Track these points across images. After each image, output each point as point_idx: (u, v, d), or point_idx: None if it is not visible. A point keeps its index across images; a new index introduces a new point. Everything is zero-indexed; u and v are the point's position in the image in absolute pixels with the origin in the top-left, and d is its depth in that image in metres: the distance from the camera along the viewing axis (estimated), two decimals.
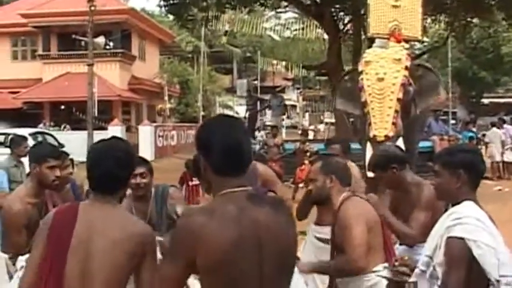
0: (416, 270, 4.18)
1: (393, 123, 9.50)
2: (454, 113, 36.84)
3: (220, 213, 3.07)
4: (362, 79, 9.99)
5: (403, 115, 9.84)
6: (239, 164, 3.23)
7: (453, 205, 4.16)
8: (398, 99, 9.64)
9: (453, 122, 32.58)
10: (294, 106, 63.48)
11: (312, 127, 42.49)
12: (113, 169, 3.87)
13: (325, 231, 6.71)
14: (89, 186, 4.07)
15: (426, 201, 5.55)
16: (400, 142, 9.02)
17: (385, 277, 4.66)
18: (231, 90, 57.29)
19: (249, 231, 3.05)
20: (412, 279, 4.19)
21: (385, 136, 9.38)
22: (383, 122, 9.56)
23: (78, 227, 3.79)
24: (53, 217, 3.92)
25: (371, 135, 9.58)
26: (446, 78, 32.01)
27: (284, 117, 38.28)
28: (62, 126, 37.46)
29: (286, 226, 3.20)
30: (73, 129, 36.23)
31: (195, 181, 13.36)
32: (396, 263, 4.53)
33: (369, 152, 9.33)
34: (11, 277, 5.54)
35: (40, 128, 33.64)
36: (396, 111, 9.61)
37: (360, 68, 10.18)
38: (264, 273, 3.07)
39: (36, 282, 3.87)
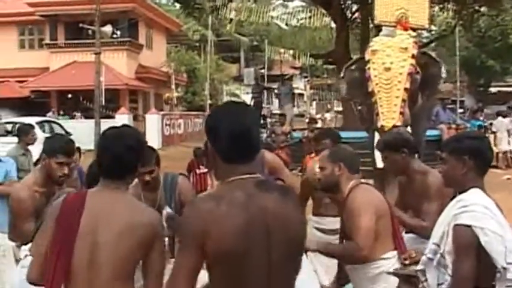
0: (423, 258, 4.17)
1: (401, 113, 9.46)
2: (461, 102, 36.69)
3: (228, 200, 3.08)
4: (369, 68, 9.95)
5: (410, 104, 9.79)
6: (247, 151, 3.23)
7: (460, 193, 4.16)
8: (405, 89, 9.58)
9: (461, 111, 32.42)
10: (301, 95, 63.37)
11: (319, 116, 42.36)
12: (122, 154, 3.89)
13: (325, 222, 6.72)
14: (96, 171, 4.10)
15: (434, 190, 5.55)
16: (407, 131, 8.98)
17: (395, 274, 4.65)
18: (238, 79, 57.24)
19: (256, 218, 3.06)
20: (419, 267, 4.18)
21: (393, 126, 9.33)
22: (390, 112, 9.51)
23: (86, 215, 3.80)
24: (61, 205, 3.93)
25: (379, 125, 9.54)
26: (454, 67, 31.84)
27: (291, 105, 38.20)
28: (73, 114, 37.49)
29: (294, 213, 3.20)
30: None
31: (202, 169, 13.40)
32: (406, 262, 4.52)
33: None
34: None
35: (49, 116, 33.68)
36: (403, 100, 9.55)
37: (367, 57, 10.13)
38: (272, 259, 3.07)
39: (43, 271, 3.90)
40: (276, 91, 33.58)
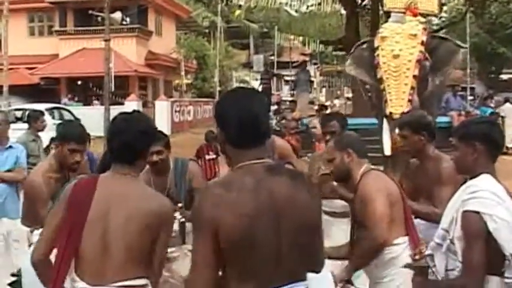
0: (432, 243, 4.16)
1: (409, 100, 9.42)
2: (472, 89, 36.53)
3: (237, 185, 3.09)
4: (378, 55, 9.92)
5: (419, 91, 9.77)
6: (256, 136, 3.23)
7: (471, 178, 4.13)
8: (414, 76, 9.54)
9: (471, 98, 32.30)
10: (310, 81, 63.25)
11: (328, 102, 42.28)
12: (132, 140, 3.94)
13: (333, 205, 6.71)
14: (108, 158, 4.12)
15: (448, 176, 5.52)
16: None
17: (409, 266, 4.63)
18: (248, 66, 57.16)
19: (267, 203, 3.06)
20: (427, 252, 4.17)
21: (402, 113, 9.30)
22: (399, 99, 9.48)
23: (97, 200, 3.85)
24: (71, 189, 3.97)
25: (387, 112, 9.52)
26: (465, 54, 31.71)
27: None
28: (89, 100, 37.50)
29: (306, 197, 3.20)
30: (89, 104, 36.25)
31: (212, 155, 13.40)
32: (416, 257, 4.51)
33: (386, 129, 9.40)
34: None
35: (64, 103, 33.76)
36: (412, 87, 9.52)
37: (376, 44, 10.09)
38: (283, 243, 3.08)
39: (48, 253, 3.96)
40: (293, 77, 33.50)
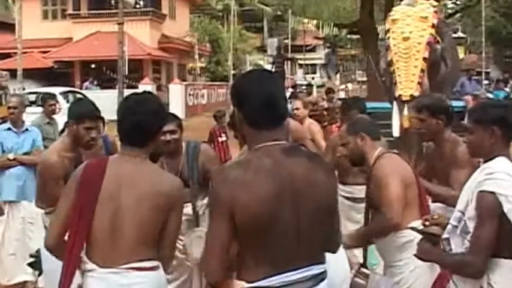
0: (449, 226, 4.11)
1: (419, 83, 9.39)
2: (487, 73, 36.35)
3: (255, 167, 3.09)
4: (388, 38, 9.88)
5: (432, 74, 9.72)
6: (274, 116, 3.22)
7: (486, 161, 4.10)
8: (424, 59, 9.50)
9: (486, 82, 32.14)
10: (324, 65, 63.17)
11: (342, 86, 42.27)
12: (142, 121, 3.90)
13: (354, 191, 6.70)
14: (119, 139, 4.11)
15: (464, 159, 5.47)
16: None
17: (416, 230, 4.59)
18: (262, 49, 57.08)
19: (284, 183, 3.06)
20: (444, 236, 4.13)
21: (411, 96, 9.26)
22: (408, 81, 9.44)
23: (107, 180, 3.86)
24: (82, 170, 3.98)
25: (396, 94, 9.49)
26: (480, 38, 31.53)
27: (315, 76, 38.12)
28: (111, 84, 37.47)
29: (323, 178, 3.20)
30: (103, 88, 36.24)
31: (224, 137, 13.42)
32: (427, 223, 4.47)
33: (395, 112, 9.37)
34: None
35: (86, 87, 33.86)
36: (422, 70, 9.47)
37: (387, 26, 10.06)
38: (301, 224, 3.09)
39: (62, 236, 3.97)
40: (323, 61, 33.45)
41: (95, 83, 38.22)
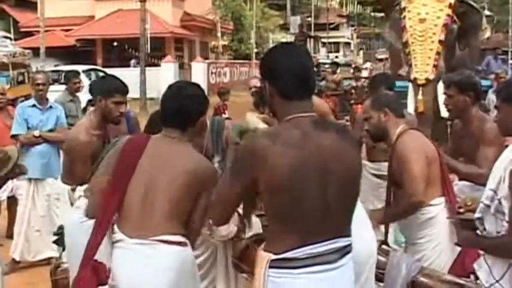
0: (481, 205, 4.05)
1: (434, 66, 9.30)
2: None
3: (284, 137, 3.13)
4: (404, 17, 9.77)
5: (447, 55, 9.62)
6: (305, 87, 3.27)
7: None
8: (440, 41, 9.39)
9: None
10: (347, 43, 62.99)
11: (365, 65, 42.22)
12: (184, 105, 4.14)
13: (382, 168, 6.64)
14: (161, 121, 4.28)
15: (492, 136, 5.41)
16: (440, 85, 8.82)
17: (454, 220, 4.54)
18: (284, 27, 56.96)
19: (313, 155, 3.09)
20: (477, 215, 4.07)
21: (426, 79, 9.20)
22: (424, 64, 9.35)
23: (145, 157, 4.05)
24: (123, 144, 4.19)
25: (412, 77, 9.41)
26: (507, 17, 31.23)
27: (338, 54, 37.98)
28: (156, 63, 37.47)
29: (351, 151, 3.24)
30: (124, 66, 36.27)
31: (227, 114, 13.46)
32: (461, 210, 4.42)
33: (411, 94, 9.31)
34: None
35: (133, 66, 34.01)
36: (438, 53, 9.38)
37: (403, 5, 9.93)
38: (329, 195, 3.10)
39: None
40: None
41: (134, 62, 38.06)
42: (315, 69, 20.99)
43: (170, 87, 4.31)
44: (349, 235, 3.23)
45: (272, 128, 3.51)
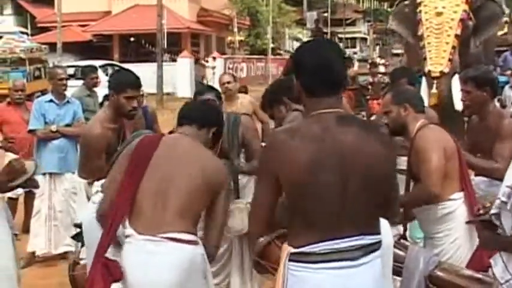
0: (497, 201, 4.03)
1: (449, 60, 9.28)
2: None
3: (303, 132, 3.13)
4: (420, 11, 9.73)
5: (462, 51, 9.58)
6: (329, 84, 3.22)
7: None
8: (456, 36, 9.37)
9: None
10: (364, 39, 62.84)
11: (382, 61, 42.12)
12: (205, 104, 4.39)
13: (400, 162, 6.62)
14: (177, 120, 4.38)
15: (508, 132, 5.41)
16: (455, 79, 8.80)
17: (474, 222, 4.54)
18: (301, 23, 56.87)
19: (331, 150, 3.07)
20: (493, 211, 4.05)
21: (441, 72, 9.17)
22: (439, 57, 9.32)
23: (158, 154, 4.08)
24: (137, 143, 4.17)
25: (426, 70, 9.38)
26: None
27: (355, 50, 37.89)
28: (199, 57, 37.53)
29: (376, 148, 3.15)
30: (141, 61, 36.34)
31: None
32: (481, 211, 4.40)
33: (424, 87, 9.23)
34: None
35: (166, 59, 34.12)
36: (453, 47, 9.36)
37: None
38: (348, 192, 3.07)
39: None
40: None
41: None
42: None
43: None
44: (376, 233, 3.20)
45: (293, 124, 3.52)
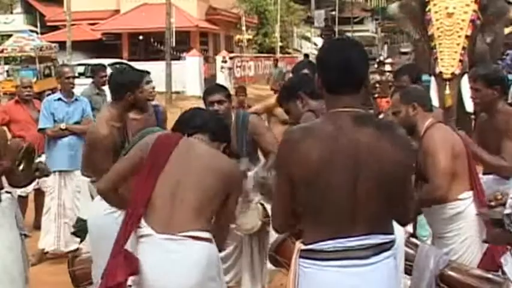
0: (510, 201, 4.04)
1: (460, 61, 9.27)
2: None
3: (316, 130, 3.18)
4: (429, 11, 9.70)
5: (469, 50, 9.57)
6: (348, 81, 3.23)
7: None
8: (466, 36, 9.36)
9: None
10: (372, 38, 62.69)
11: (389, 60, 41.97)
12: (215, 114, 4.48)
13: None
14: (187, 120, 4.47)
15: None
16: (465, 79, 8.79)
17: (484, 217, 4.54)
18: (309, 21, 56.77)
19: (343, 149, 3.08)
20: (507, 211, 4.06)
21: (452, 74, 9.18)
22: (451, 59, 9.32)
23: (175, 154, 4.09)
24: (154, 141, 4.19)
25: (437, 71, 9.36)
26: None
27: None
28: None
29: (392, 149, 3.14)
30: (150, 60, 36.35)
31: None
32: (492, 203, 4.41)
33: (433, 88, 9.22)
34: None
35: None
36: (464, 48, 9.35)
37: None
38: (359, 191, 3.08)
39: (117, 186, 4.30)
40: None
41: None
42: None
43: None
44: (388, 232, 3.20)
45: (308, 122, 3.53)
